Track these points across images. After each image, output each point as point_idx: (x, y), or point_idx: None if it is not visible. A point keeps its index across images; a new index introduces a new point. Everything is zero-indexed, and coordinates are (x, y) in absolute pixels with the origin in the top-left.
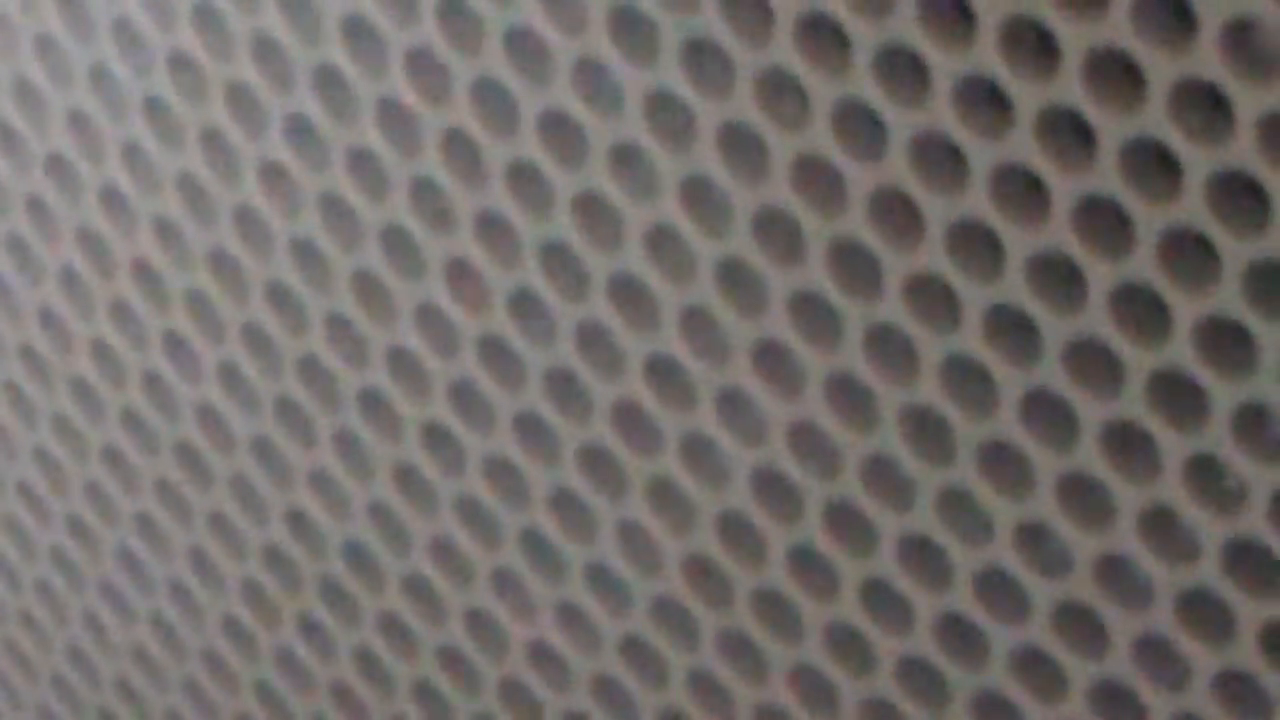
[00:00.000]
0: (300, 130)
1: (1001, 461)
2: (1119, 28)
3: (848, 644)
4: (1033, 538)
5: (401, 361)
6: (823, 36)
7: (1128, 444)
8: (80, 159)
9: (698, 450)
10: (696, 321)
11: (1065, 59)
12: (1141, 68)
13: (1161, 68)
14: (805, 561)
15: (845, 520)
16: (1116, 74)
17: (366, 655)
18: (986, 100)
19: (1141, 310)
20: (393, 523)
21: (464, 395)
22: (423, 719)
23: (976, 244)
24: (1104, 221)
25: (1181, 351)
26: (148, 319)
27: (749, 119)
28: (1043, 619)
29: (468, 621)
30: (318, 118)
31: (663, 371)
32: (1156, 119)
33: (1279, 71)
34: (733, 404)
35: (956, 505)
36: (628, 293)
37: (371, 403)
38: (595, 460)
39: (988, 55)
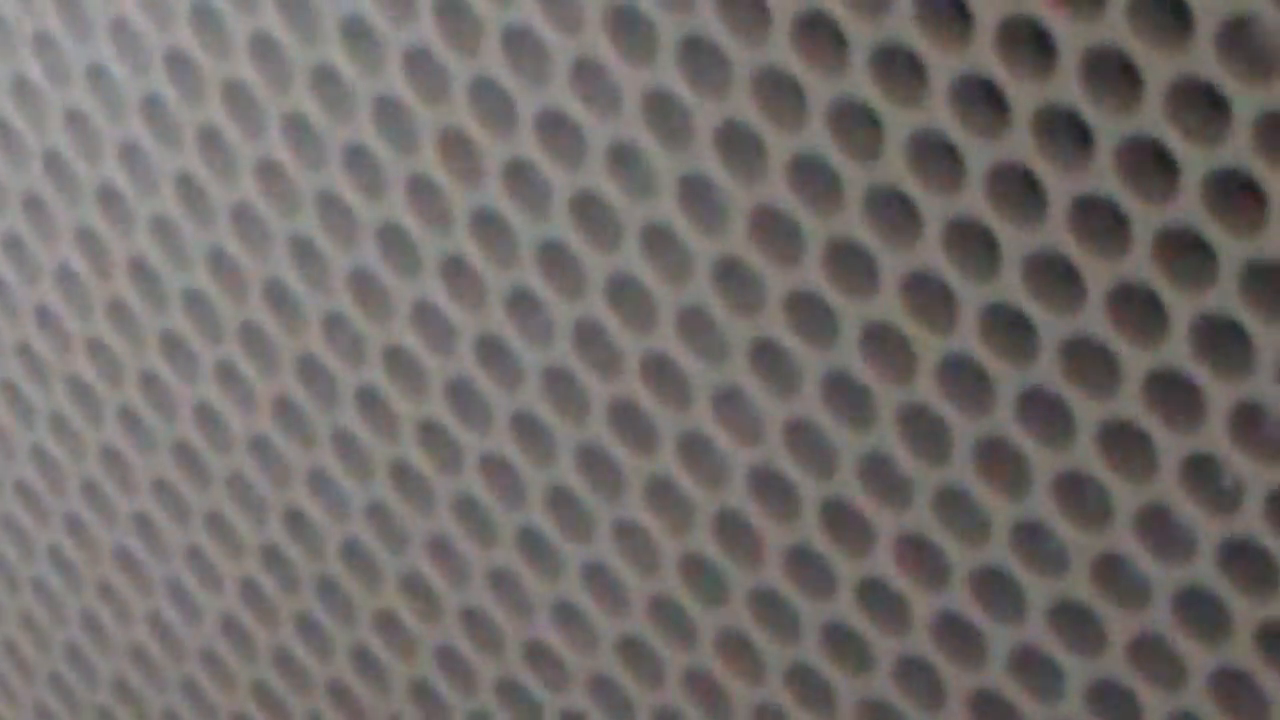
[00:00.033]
0: (298, 129)
1: (998, 460)
2: (1116, 27)
3: (845, 643)
4: (1029, 537)
5: (398, 360)
6: (820, 35)
7: (1124, 443)
8: (78, 158)
9: (695, 449)
10: (693, 320)
11: (1062, 58)
12: (1139, 67)
13: (1158, 67)
14: (802, 561)
15: (842, 519)
16: (1113, 73)
17: (364, 655)
18: (984, 99)
19: (1138, 309)
20: (390, 522)
21: (461, 394)
22: (420, 718)
23: (973, 243)
24: (1101, 221)
25: (1178, 351)
26: (145, 318)
27: (746, 118)
28: (1039, 618)
29: (465, 621)
30: (315, 117)
31: (659, 371)
32: (1153, 118)
33: (1276, 70)
34: (730, 403)
35: (953, 504)
36: (625, 292)
37: (369, 402)
38: (592, 459)
39: (985, 54)
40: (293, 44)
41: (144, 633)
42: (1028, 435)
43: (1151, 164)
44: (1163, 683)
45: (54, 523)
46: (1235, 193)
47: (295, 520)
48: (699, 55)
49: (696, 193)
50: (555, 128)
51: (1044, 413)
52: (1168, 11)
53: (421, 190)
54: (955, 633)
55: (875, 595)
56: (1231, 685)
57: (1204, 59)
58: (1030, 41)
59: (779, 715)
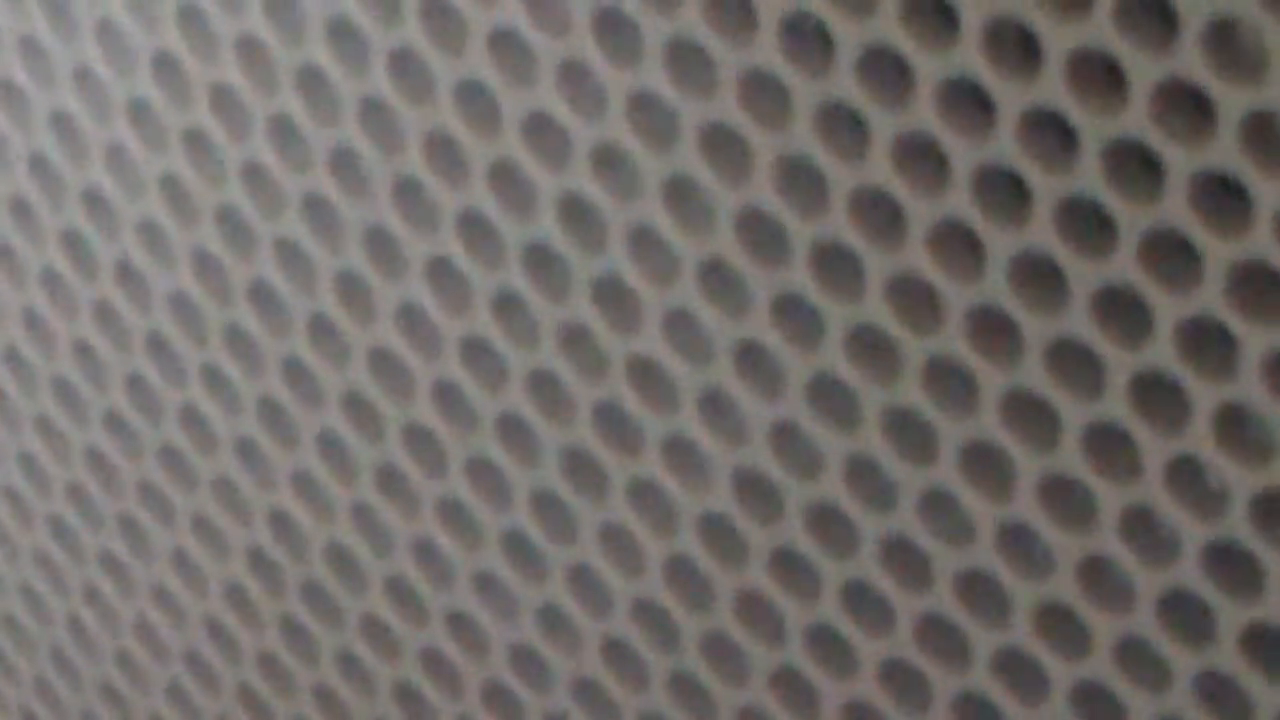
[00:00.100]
0: (283, 131)
1: (983, 462)
2: (1101, 28)
3: (829, 646)
4: (1014, 539)
5: (383, 362)
6: (806, 37)
7: (1109, 445)
8: (63, 161)
9: (679, 451)
10: (679, 322)
11: (1048, 60)
12: (1124, 68)
13: (1144, 68)
14: (787, 563)
15: (827, 521)
16: (1099, 75)
17: (349, 657)
18: (969, 101)
19: (1123, 311)
20: (375, 524)
21: (446, 396)
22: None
23: (959, 245)
24: (1086, 222)
25: (1163, 353)
26: (130, 321)
27: (732, 120)
28: (1024, 620)
29: (449, 623)
30: (301, 118)
31: (645, 373)
32: (1139, 120)
33: (1261, 72)
34: (715, 405)
35: (938, 506)
36: (610, 294)
37: (354, 403)
38: (577, 461)
39: (970, 56)
40: (278, 46)
41: (129, 636)
42: (1012, 437)
43: (1137, 166)
44: (1147, 685)
45: (39, 525)
46: (1220, 194)
47: (280, 523)
48: (685, 57)
49: (682, 194)
50: (541, 129)
51: (1029, 415)
52: (1154, 13)
53: (407, 192)
54: (940, 635)
55: (860, 597)
56: (1216, 688)
57: (1190, 61)
58: (1016, 43)
59: (763, 717)
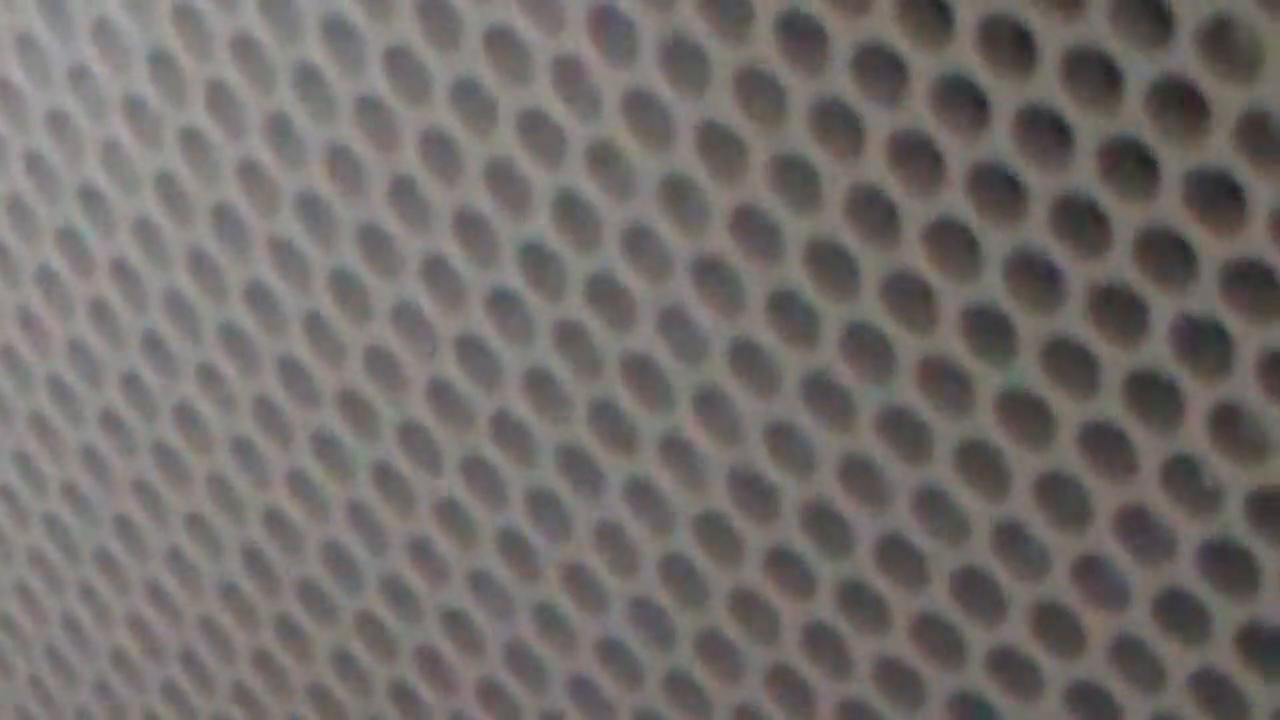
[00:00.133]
0: (279, 129)
1: (978, 461)
2: (1097, 27)
3: (824, 645)
4: (1010, 538)
5: (379, 361)
6: (801, 35)
7: (1105, 444)
8: (59, 158)
9: (674, 450)
10: (674, 321)
11: (1043, 58)
12: (1119, 67)
13: (1139, 67)
14: (782, 562)
15: (822, 520)
16: (1094, 73)
17: (344, 656)
18: (964, 99)
19: (1118, 310)
20: (370, 523)
21: (441, 395)
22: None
23: (954, 243)
24: (1081, 221)
25: (1158, 351)
26: (125, 318)
27: (727, 118)
28: (1019, 619)
29: (445, 622)
30: (296, 117)
31: (639, 371)
32: (1134, 118)
33: (1256, 70)
34: (710, 404)
35: (933, 505)
36: (605, 292)
37: (349, 402)
38: (572, 460)
39: (965, 54)
40: (274, 44)
41: (124, 634)
42: (1008, 436)
43: (1132, 164)
44: (1142, 684)
45: (34, 524)
46: (1215, 193)
47: (275, 521)
48: (680, 55)
49: (677, 192)
50: (536, 127)
51: (1024, 413)
52: (1149, 12)
53: (402, 190)
54: (935, 634)
55: (855, 596)
56: (1211, 687)
57: (1185, 59)
58: (1011, 41)
59: (758, 716)
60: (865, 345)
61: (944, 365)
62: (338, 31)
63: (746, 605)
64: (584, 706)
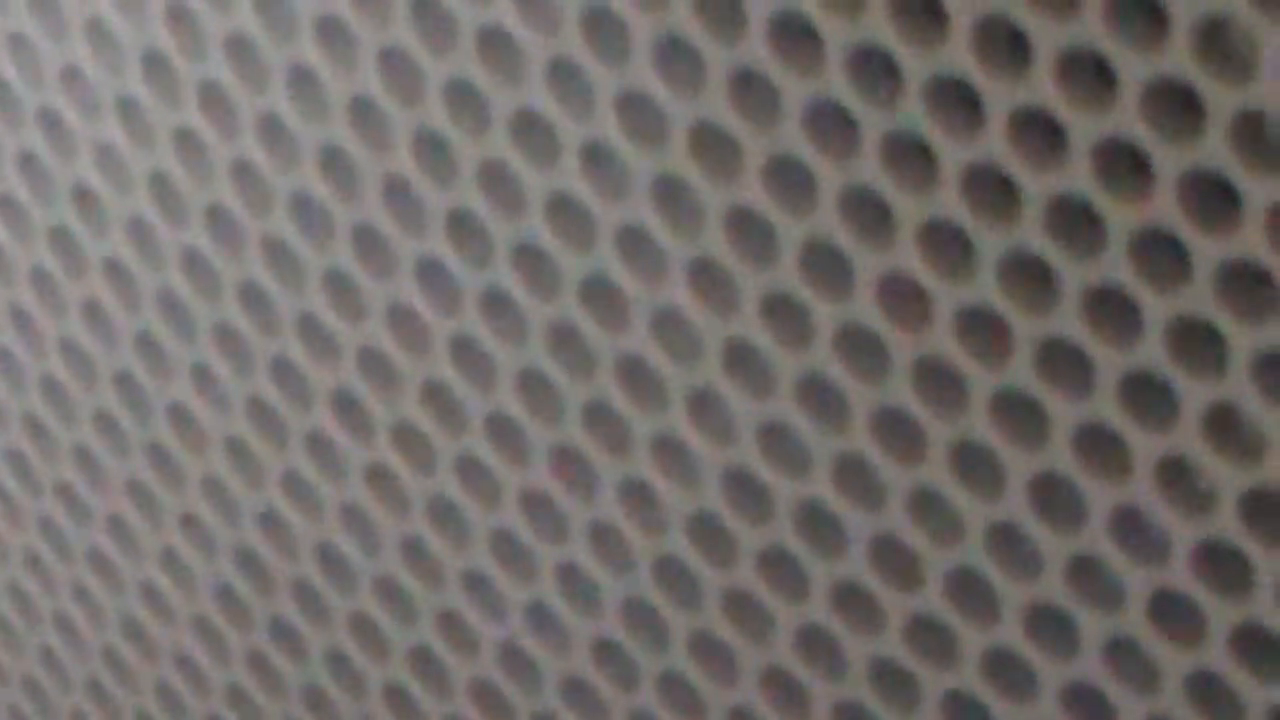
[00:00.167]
0: (272, 129)
1: (972, 462)
2: (1091, 27)
3: (818, 646)
4: (1003, 538)
5: (372, 361)
6: (795, 36)
7: (1099, 445)
8: (53, 159)
9: (669, 451)
10: (667, 322)
11: (1037, 58)
12: (1114, 67)
13: (1133, 67)
14: (776, 563)
15: (816, 521)
16: (1088, 73)
17: (338, 657)
18: (958, 100)
19: (1113, 310)
20: (364, 523)
21: (435, 395)
22: None
23: (948, 244)
24: (1076, 221)
25: (1152, 352)
26: (119, 319)
27: (721, 118)
28: (1013, 620)
29: (439, 623)
30: (289, 117)
31: (633, 372)
32: (1128, 119)
33: (1251, 71)
34: (703, 404)
35: (927, 506)
36: (599, 293)
37: (343, 403)
38: (566, 461)
39: (959, 55)
40: (267, 44)
41: (117, 634)
42: (1002, 437)
43: (1126, 165)
44: (1137, 685)
45: (28, 525)
46: (1210, 194)
47: (269, 522)
48: (674, 56)
49: (671, 193)
50: (529, 128)
51: (1018, 414)
52: (1144, 12)
53: (396, 191)
54: (929, 634)
55: (849, 597)
56: (1206, 688)
57: (1180, 60)
58: (1005, 42)
59: (753, 718)
60: (859, 346)
61: (938, 366)
62: (331, 32)
63: (740, 606)
64: (578, 707)
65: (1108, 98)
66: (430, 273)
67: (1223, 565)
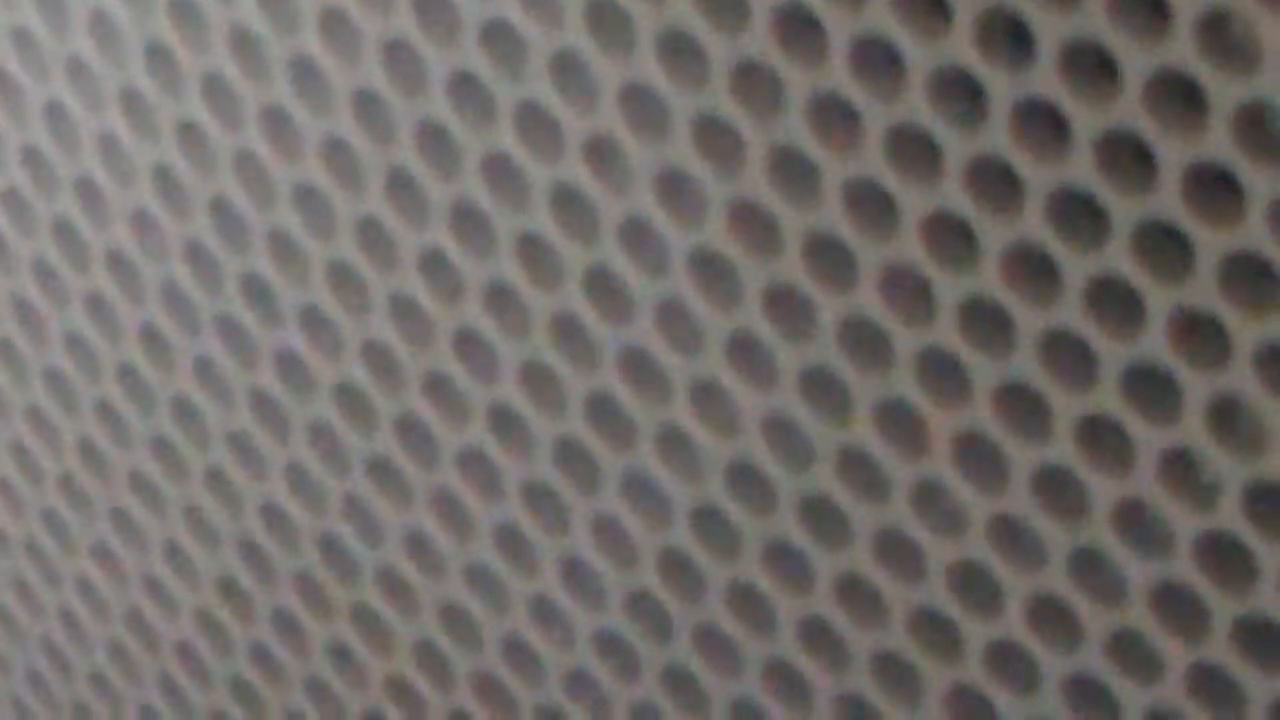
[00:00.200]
0: (275, 121)
1: (976, 454)
2: (1094, 19)
3: (822, 639)
4: (1007, 531)
5: (375, 353)
6: (799, 28)
7: (1102, 437)
8: (56, 150)
9: (672, 443)
10: (671, 314)
11: (1040, 51)
12: (1117, 59)
13: (1137, 59)
14: (779, 556)
15: (819, 513)
16: (1091, 66)
17: (341, 650)
18: (961, 92)
19: (1116, 303)
20: (367, 516)
21: (438, 388)
22: (397, 713)
23: (951, 236)
24: (1079, 214)
25: (1156, 344)
26: (122, 310)
27: (724, 111)
28: (1016, 612)
29: (442, 615)
30: (293, 109)
31: (636, 364)
32: (1132, 111)
33: (1254, 63)
34: (707, 397)
35: (931, 499)
36: (602, 285)
37: (346, 395)
38: (569, 453)
39: (962, 47)
40: (271, 36)
41: (121, 628)
42: (1005, 429)
43: (1129, 157)
44: (1140, 678)
45: (30, 517)
46: (1213, 186)
47: (272, 515)
48: (677, 48)
49: (674, 185)
50: (533, 121)
51: (1021, 407)
52: (1147, 5)
53: (399, 183)
54: (932, 628)
55: (852, 590)
56: (1209, 681)
57: (1183, 52)
58: (1008, 34)
59: (756, 710)
60: (863, 338)
61: (941, 358)
62: (335, 24)
63: (744, 599)
64: (581, 700)
65: (1111, 90)
66: (433, 265)
67: (1226, 558)
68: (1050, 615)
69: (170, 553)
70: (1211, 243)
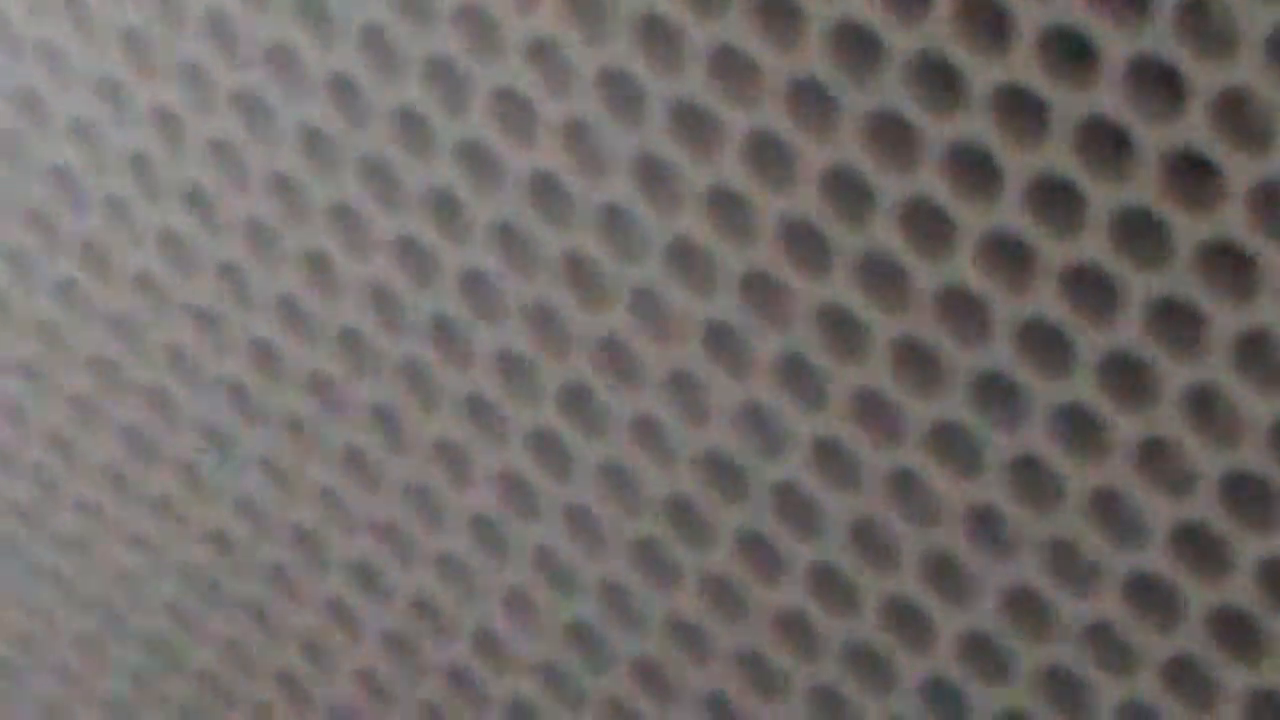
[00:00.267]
0: (253, 110)
1: (951, 443)
2: (1073, 6)
3: (795, 628)
4: (982, 521)
5: (350, 343)
6: (776, 13)
7: (1078, 425)
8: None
9: (646, 432)
10: (646, 302)
11: (1019, 37)
12: (1096, 46)
13: (1115, 46)
14: (753, 546)
15: (793, 504)
16: (1070, 53)
17: (312, 642)
18: (940, 79)
19: (1093, 291)
20: (339, 505)
21: (412, 376)
22: (367, 705)
23: (928, 223)
24: (1057, 201)
25: (1133, 332)
26: (97, 299)
27: (701, 97)
28: (991, 603)
29: (414, 608)
30: (270, 96)
31: (612, 352)
32: (1110, 97)
33: (1232, 50)
34: (681, 385)
35: (905, 488)
36: (577, 273)
37: (320, 384)
38: (543, 443)
39: (941, 33)
40: (246, 23)
41: (90, 619)
42: (981, 418)
43: (1108, 144)
44: (1114, 669)
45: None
46: (1191, 173)
47: (244, 505)
48: (655, 34)
49: (651, 172)
50: (509, 107)
51: (997, 395)
52: None
53: (374, 171)
54: (905, 618)
55: (826, 580)
56: (1183, 671)
57: (1162, 39)
58: (987, 20)
59: (728, 701)
60: (838, 326)
61: (917, 347)
62: (310, 11)
63: (716, 590)
64: (552, 691)
65: (1089, 76)
66: (409, 253)
67: (1201, 548)
68: (1024, 606)
69: (140, 545)
70: (1190, 230)
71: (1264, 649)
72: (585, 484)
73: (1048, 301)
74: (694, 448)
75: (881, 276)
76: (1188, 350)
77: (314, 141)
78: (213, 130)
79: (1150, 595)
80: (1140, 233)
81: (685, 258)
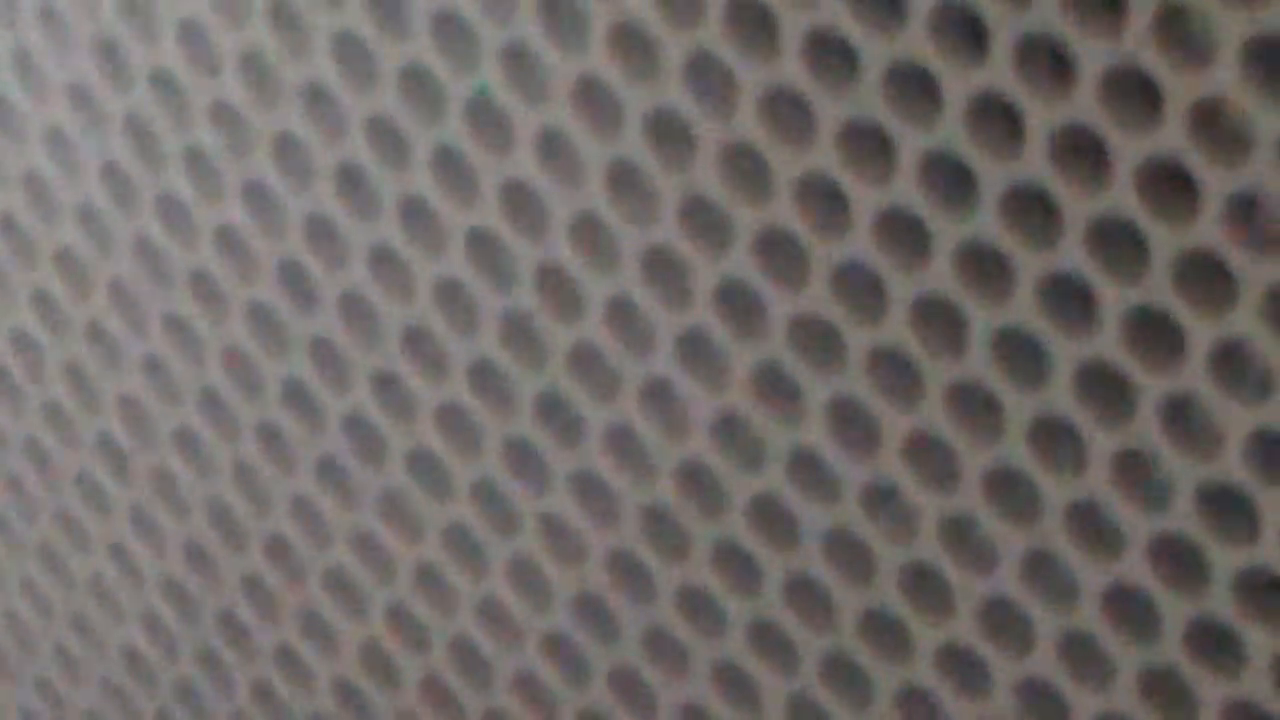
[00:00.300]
0: (225, 119)
1: (928, 455)
2: (1048, 15)
3: (770, 639)
4: (958, 534)
5: (324, 352)
6: (751, 22)
7: (1055, 437)
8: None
9: (621, 442)
10: (621, 311)
11: (995, 46)
12: (1072, 54)
13: (1092, 54)
14: (729, 557)
15: (769, 514)
16: (1046, 61)
17: (287, 653)
18: (916, 87)
19: (1069, 301)
20: (314, 517)
21: (387, 387)
22: (344, 716)
23: (905, 233)
24: (1032, 210)
25: (1109, 343)
26: (71, 309)
27: (677, 105)
28: (967, 615)
29: (388, 617)
30: (243, 106)
31: (587, 362)
32: (1087, 106)
33: (1210, 58)
34: (657, 395)
35: (881, 500)
36: (552, 282)
37: (294, 394)
38: (518, 452)
39: (917, 41)
40: (220, 30)
41: (65, 632)
42: (958, 430)
43: (1085, 153)
44: (1091, 681)
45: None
46: (1168, 183)
47: (219, 516)
48: (630, 42)
49: (626, 181)
50: (485, 116)
51: (974, 407)
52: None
53: (349, 179)
54: (882, 630)
55: (802, 592)
56: (1161, 684)
57: (1139, 48)
58: (963, 29)
59: (704, 713)
60: (815, 337)
61: (893, 357)
62: (283, 19)
63: (693, 600)
64: (528, 703)
65: (1066, 85)
66: (382, 261)
67: (1178, 559)
68: (1001, 618)
69: (117, 556)
70: (1167, 240)
71: (1242, 660)
72: (560, 494)
73: (1024, 312)
74: (669, 459)
75: (858, 286)
76: (1165, 361)
77: (287, 151)
78: (186, 140)
79: (1128, 606)
80: (1117, 243)
81: (661, 267)
